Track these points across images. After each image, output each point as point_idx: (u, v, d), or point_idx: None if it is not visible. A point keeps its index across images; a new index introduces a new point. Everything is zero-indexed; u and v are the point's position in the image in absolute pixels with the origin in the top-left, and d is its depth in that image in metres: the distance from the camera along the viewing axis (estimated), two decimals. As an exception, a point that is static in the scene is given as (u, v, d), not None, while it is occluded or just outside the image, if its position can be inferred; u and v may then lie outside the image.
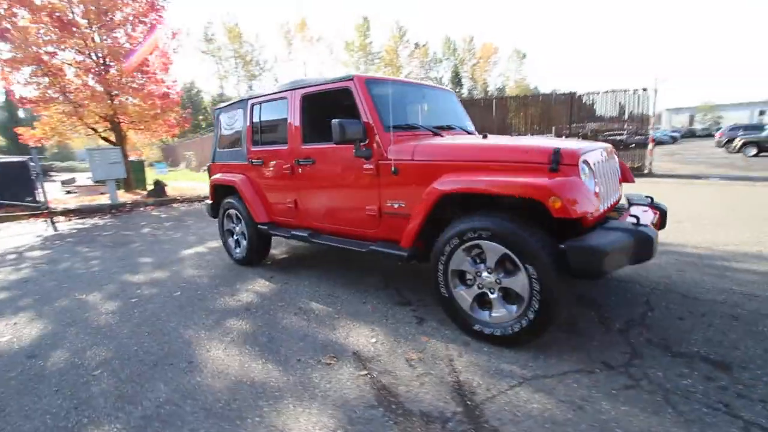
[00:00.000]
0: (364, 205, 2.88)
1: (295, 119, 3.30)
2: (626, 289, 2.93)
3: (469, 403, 1.77)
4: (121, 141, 11.38)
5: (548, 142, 2.44)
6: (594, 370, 1.97)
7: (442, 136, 2.94)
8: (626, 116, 12.71)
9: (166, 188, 10.87)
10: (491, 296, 2.23)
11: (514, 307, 2.15)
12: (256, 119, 3.73)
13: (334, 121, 2.66)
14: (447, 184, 2.28)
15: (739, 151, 16.65)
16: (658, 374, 1.90)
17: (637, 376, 1.90)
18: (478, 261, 2.26)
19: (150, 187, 11.47)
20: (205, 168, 20.96)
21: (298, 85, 3.27)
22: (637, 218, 2.14)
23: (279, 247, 4.75)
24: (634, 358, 2.05)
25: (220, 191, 4.27)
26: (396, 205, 2.71)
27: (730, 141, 18.53)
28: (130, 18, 10.50)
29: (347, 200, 3.00)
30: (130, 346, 2.46)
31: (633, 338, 2.25)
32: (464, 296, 2.33)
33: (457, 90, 47.15)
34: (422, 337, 2.40)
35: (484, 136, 2.77)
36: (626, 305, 2.67)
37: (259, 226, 3.75)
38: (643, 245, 2.00)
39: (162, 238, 5.73)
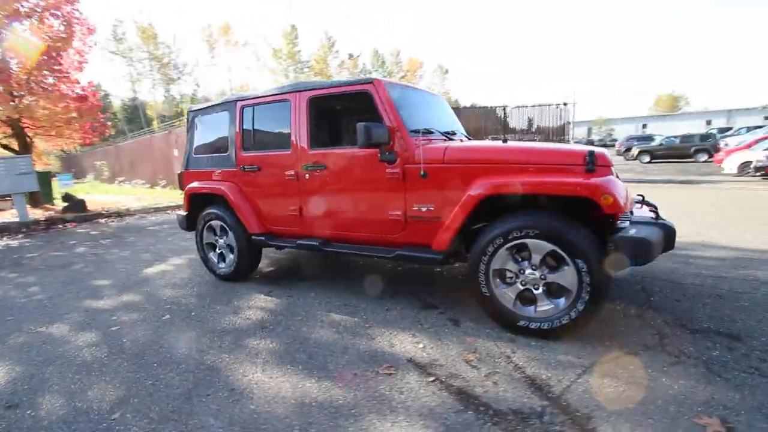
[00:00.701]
0: (387, 210, 2.83)
1: (300, 123, 3.14)
2: (618, 280, 3.24)
3: (550, 395, 1.82)
4: (25, 149, 9.75)
5: (569, 146, 2.63)
6: (637, 351, 2.15)
7: (452, 140, 3.01)
8: (534, 129, 14.21)
9: (84, 203, 9.52)
10: (535, 292, 2.33)
11: (561, 300, 2.27)
12: (247, 122, 3.48)
13: (360, 124, 2.60)
14: (493, 184, 2.34)
15: (636, 158, 19.40)
16: (690, 349, 2.14)
17: (675, 353, 2.12)
18: (520, 259, 2.35)
19: (59, 202, 9.97)
20: (121, 180, 18.87)
21: (304, 87, 3.13)
22: (656, 211, 2.40)
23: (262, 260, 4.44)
24: (663, 338, 2.27)
25: (197, 201, 3.87)
26: (424, 209, 2.70)
27: (628, 150, 21.53)
28: (38, 9, 9.13)
29: (367, 206, 2.92)
30: (143, 381, 2.12)
31: (651, 321, 2.50)
32: (506, 294, 2.40)
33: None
34: (467, 338, 2.41)
35: (504, 140, 2.90)
36: (628, 294, 2.96)
37: (252, 237, 3.48)
38: (669, 236, 2.25)
39: (108, 258, 5.01)
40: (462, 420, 1.68)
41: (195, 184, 3.80)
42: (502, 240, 2.32)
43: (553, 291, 2.30)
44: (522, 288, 2.36)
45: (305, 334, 2.58)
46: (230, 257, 3.71)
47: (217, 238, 3.80)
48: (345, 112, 3.91)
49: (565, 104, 13.67)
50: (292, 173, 3.20)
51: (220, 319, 2.90)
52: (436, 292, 3.20)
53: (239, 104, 3.50)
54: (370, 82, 2.81)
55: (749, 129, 18.27)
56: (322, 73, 47.13)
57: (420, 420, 1.69)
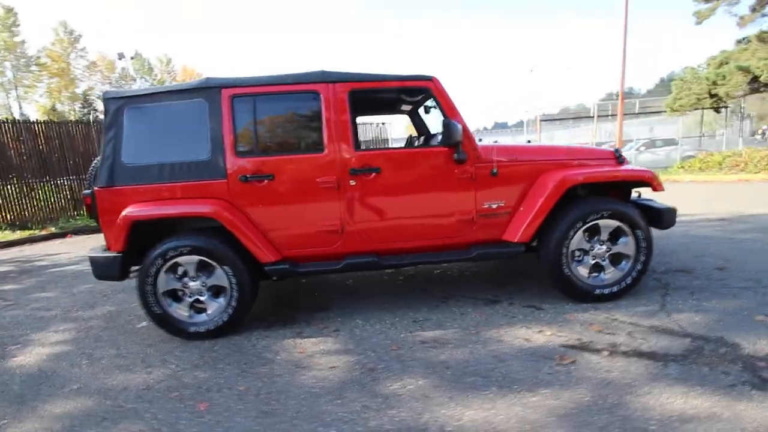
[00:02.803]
0: (455, 211, 2.75)
1: (338, 119, 2.63)
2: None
3: (688, 333, 2.27)
4: None
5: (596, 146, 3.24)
6: (667, 292, 2.90)
7: (480, 140, 3.21)
8: None
9: None
10: (602, 263, 2.79)
11: (623, 264, 2.79)
12: (243, 117, 2.62)
13: (447, 121, 2.49)
14: (573, 177, 2.66)
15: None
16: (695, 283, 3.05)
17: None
18: (592, 238, 2.76)
19: None
20: None
21: (338, 78, 2.64)
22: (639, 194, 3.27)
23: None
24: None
25: (140, 233, 2.59)
26: (495, 205, 2.77)
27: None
28: None
29: (434, 209, 2.74)
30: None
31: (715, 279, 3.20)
32: (581, 270, 2.77)
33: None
34: (566, 315, 2.63)
35: (528, 142, 3.28)
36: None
37: (267, 268, 2.64)
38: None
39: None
40: (679, 370, 1.92)
41: (140, 208, 2.54)
42: (581, 223, 2.68)
43: (615, 260, 2.82)
44: (593, 261, 2.78)
45: (426, 361, 2.21)
46: (217, 304, 2.66)
47: (187, 281, 2.65)
48: (382, 107, 3.44)
49: (383, 123, 15.49)
50: (331, 180, 2.63)
51: (296, 380, 2.11)
52: (477, 288, 3.26)
53: (227, 93, 2.59)
54: (430, 79, 2.68)
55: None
56: (62, 74, 36.82)
57: (669, 386, 1.82)
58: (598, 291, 2.76)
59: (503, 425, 1.65)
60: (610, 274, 2.80)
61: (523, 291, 3.10)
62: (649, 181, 2.75)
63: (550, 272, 2.74)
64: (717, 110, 14.76)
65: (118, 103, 2.62)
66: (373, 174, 2.66)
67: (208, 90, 2.60)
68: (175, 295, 2.68)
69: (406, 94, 2.75)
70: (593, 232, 2.75)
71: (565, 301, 2.82)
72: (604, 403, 1.74)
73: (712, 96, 12.78)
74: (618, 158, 2.89)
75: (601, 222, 2.71)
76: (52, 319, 3.29)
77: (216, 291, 2.68)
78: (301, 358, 2.35)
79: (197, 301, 2.68)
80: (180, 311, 2.67)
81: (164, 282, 2.62)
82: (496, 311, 2.80)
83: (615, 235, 2.77)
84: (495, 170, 2.72)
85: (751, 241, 4.11)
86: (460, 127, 2.56)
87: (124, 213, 2.52)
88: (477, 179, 2.73)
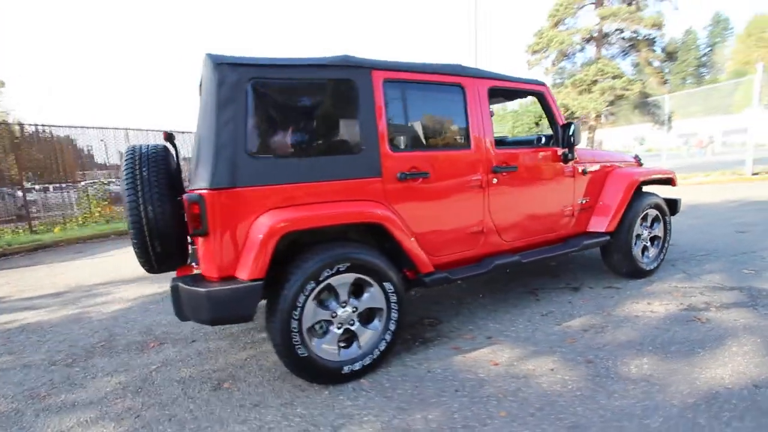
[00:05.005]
0: (563, 207, 2.98)
1: (481, 115, 2.53)
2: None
3: (732, 287, 3.04)
4: None
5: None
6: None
7: None
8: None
9: None
10: (647, 245, 3.44)
11: (657, 243, 3.49)
12: (394, 105, 2.24)
13: (576, 122, 2.72)
14: (639, 177, 3.21)
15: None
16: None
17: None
18: (642, 224, 3.38)
19: None
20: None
21: (478, 74, 2.55)
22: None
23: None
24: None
25: (281, 248, 1.90)
26: (584, 201, 3.12)
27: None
28: None
29: (550, 206, 2.91)
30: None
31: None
32: (638, 251, 3.35)
33: None
34: (644, 289, 3.14)
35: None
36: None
37: (427, 279, 2.29)
38: None
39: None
40: (746, 318, 2.57)
41: (292, 215, 1.88)
42: (641, 213, 3.27)
43: (652, 241, 3.51)
44: (642, 245, 3.41)
45: (611, 345, 2.35)
46: (371, 331, 2.16)
47: (335, 307, 2.06)
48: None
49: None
50: (477, 178, 2.50)
51: (538, 393, 1.92)
52: (542, 281, 3.51)
53: (378, 75, 2.18)
54: (543, 84, 2.86)
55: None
56: None
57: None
58: (648, 267, 3.40)
59: (749, 371, 1.93)
60: (652, 252, 3.49)
61: (581, 278, 3.53)
62: (673, 178, 3.58)
63: (624, 255, 3.23)
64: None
65: (239, 73, 1.88)
66: (510, 172, 2.65)
67: (357, 70, 2.13)
68: (311, 330, 2.04)
69: (521, 95, 2.85)
70: (643, 220, 3.40)
71: (624, 280, 3.36)
72: (776, 341, 2.22)
73: (537, 125, 17.11)
74: (639, 160, 3.65)
75: (651, 211, 3.37)
76: None
77: (366, 316, 2.17)
78: (505, 369, 2.14)
79: (346, 332, 2.12)
80: (328, 348, 2.06)
81: (311, 313, 1.98)
82: (593, 296, 3.11)
83: (654, 221, 3.47)
84: (586, 169, 3.08)
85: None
86: (579, 130, 2.82)
87: (270, 222, 1.82)
88: (575, 177, 3.03)
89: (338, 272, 2.00)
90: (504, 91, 2.80)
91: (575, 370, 2.10)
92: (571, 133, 2.76)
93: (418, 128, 2.47)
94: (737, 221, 5.37)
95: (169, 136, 2.34)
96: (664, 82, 19.24)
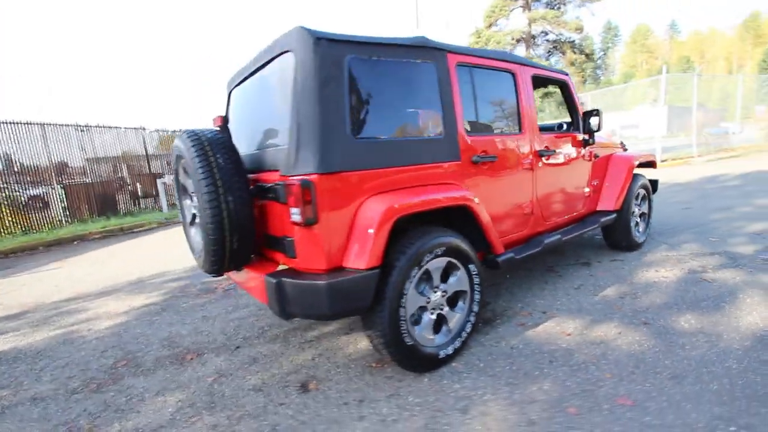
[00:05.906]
0: (584, 188, 3.24)
1: (529, 101, 2.64)
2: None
3: (726, 251, 3.56)
4: None
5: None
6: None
7: None
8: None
9: None
10: (639, 220, 3.87)
11: (644, 218, 3.95)
12: (466, 89, 2.26)
13: (597, 111, 2.99)
14: (634, 159, 3.59)
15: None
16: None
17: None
18: (638, 203, 3.78)
19: None
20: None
21: (522, 61, 2.66)
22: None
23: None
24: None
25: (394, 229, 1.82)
26: (595, 183, 3.42)
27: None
28: None
29: (575, 187, 3.13)
30: None
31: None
32: (634, 228, 3.76)
33: None
34: (645, 259, 3.54)
35: None
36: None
37: (498, 260, 2.36)
38: None
39: None
40: (751, 266, 3.08)
41: (402, 198, 1.81)
42: (637, 192, 3.67)
43: (642, 216, 3.95)
44: (637, 220, 3.82)
45: (656, 306, 2.63)
46: (458, 313, 2.16)
47: (427, 292, 2.03)
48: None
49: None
50: (529, 161, 2.61)
51: (613, 359, 2.09)
52: (550, 259, 3.77)
53: (452, 58, 2.17)
54: (567, 74, 3.06)
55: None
56: None
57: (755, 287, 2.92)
58: (640, 240, 3.83)
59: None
60: (641, 227, 3.93)
61: (584, 254, 3.86)
62: (654, 161, 4.05)
63: (625, 230, 3.60)
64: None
65: (339, 50, 1.76)
66: (550, 155, 2.82)
67: (436, 52, 2.11)
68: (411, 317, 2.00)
69: (548, 83, 3.02)
70: (635, 199, 3.81)
71: (622, 254, 3.75)
72: (776, 291, 2.66)
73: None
74: (623, 147, 4.08)
75: (640, 191, 3.79)
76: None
77: (452, 299, 2.17)
78: (580, 337, 2.29)
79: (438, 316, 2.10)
80: (426, 335, 2.03)
81: (413, 300, 1.94)
82: (607, 269, 3.41)
83: (642, 199, 3.91)
84: (597, 154, 3.37)
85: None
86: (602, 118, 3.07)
87: (383, 207, 1.74)
88: (591, 161, 3.30)
89: (436, 257, 1.97)
90: (538, 78, 2.96)
91: (639, 332, 2.32)
92: (596, 121, 3.00)
93: (484, 112, 2.51)
94: (675, 200, 6.25)
95: (224, 122, 2.10)
96: (584, 81, 21.57)
